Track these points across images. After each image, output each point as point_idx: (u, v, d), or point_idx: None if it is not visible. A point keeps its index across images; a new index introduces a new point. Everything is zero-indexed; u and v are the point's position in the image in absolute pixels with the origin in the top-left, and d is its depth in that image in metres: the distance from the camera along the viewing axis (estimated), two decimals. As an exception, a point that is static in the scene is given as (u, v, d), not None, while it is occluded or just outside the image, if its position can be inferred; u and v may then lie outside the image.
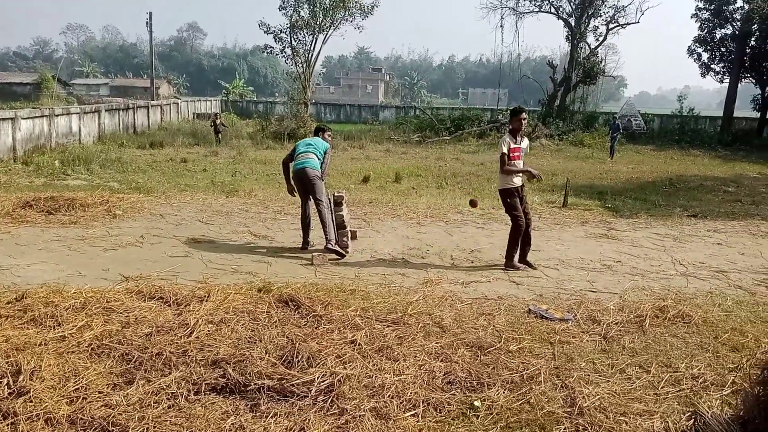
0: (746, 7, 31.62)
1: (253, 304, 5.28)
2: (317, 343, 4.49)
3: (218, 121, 24.45)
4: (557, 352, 4.74)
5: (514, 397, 3.96)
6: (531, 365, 4.42)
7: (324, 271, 6.89)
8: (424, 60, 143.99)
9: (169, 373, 3.96)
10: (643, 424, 3.69)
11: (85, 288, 5.46)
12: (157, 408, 3.55)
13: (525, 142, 7.40)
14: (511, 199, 7.20)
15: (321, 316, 5.09)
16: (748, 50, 33.06)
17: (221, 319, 4.90)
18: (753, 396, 3.56)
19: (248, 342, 4.52)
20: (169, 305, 5.20)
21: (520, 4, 37.86)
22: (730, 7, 33.84)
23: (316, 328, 4.86)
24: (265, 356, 4.26)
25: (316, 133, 8.40)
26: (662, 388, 4.18)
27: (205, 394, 3.78)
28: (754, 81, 33.76)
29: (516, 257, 7.25)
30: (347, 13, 32.67)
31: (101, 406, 3.51)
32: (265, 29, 32.54)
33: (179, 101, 39.01)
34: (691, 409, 3.80)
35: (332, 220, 7.67)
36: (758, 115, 33.89)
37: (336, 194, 7.98)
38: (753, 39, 32.52)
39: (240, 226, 9.09)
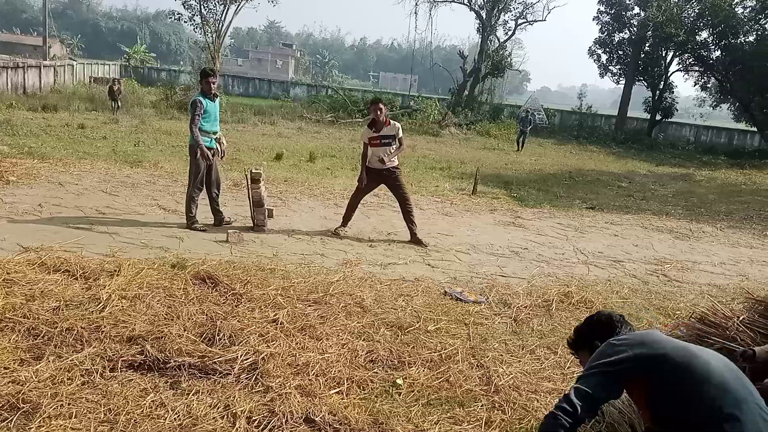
0: (642, 14, 33.71)
1: (168, 281, 5.10)
2: (238, 322, 4.42)
3: (116, 87, 22.94)
4: (472, 332, 4.93)
5: (434, 375, 4.09)
6: (448, 345, 4.57)
7: (240, 249, 6.75)
8: (336, 39, 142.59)
9: (82, 349, 3.77)
10: (553, 402, 3.92)
11: (-21, 258, 5.05)
12: (70, 385, 3.37)
13: (389, 129, 7.78)
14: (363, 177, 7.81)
15: (241, 294, 5.01)
16: (642, 55, 35.30)
17: (135, 294, 4.71)
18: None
19: (165, 319, 4.38)
20: (77, 279, 4.93)
21: (435, -7, 38.35)
22: (628, 13, 35.96)
23: (236, 306, 4.77)
24: (185, 333, 4.15)
25: None
26: (568, 368, 4.46)
27: (121, 371, 3.63)
28: (646, 84, 36.16)
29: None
30: (262, -16, 31.77)
31: (9, 382, 3.29)
32: (174, -6, 31.05)
33: (74, 63, 36.46)
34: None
35: (193, 199, 7.44)
36: (648, 116, 36.38)
37: (254, 170, 7.81)
38: (647, 45, 34.74)
39: (147, 199, 8.70)
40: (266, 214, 7.73)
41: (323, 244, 7.31)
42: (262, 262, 6.19)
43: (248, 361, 3.86)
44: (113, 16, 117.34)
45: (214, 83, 7.43)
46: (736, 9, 30.98)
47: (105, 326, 4.08)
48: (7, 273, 4.70)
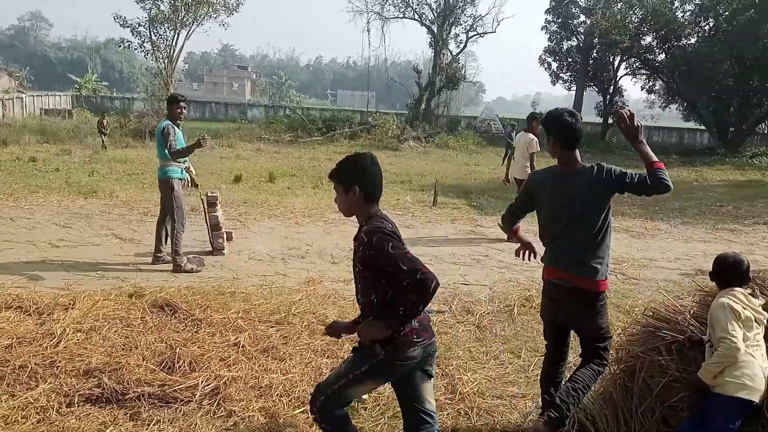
0: (588, 22, 34.65)
1: (125, 311, 5.01)
2: (199, 348, 4.36)
3: (104, 122, 22.47)
4: (437, 342, 4.95)
5: (399, 387, 4.08)
6: (413, 356, 4.58)
7: (200, 274, 6.65)
8: (291, 59, 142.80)
9: (36, 386, 3.67)
10: (517, 406, 3.97)
11: (-75, 300, 4.88)
12: (25, 423, 3.29)
13: None
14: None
15: (200, 320, 4.94)
16: (591, 61, 36.24)
17: (91, 326, 4.61)
18: (611, 374, 3.96)
19: (123, 349, 4.30)
20: (30, 315, 4.80)
21: (385, 10, 38.78)
22: (575, 21, 36.95)
23: (196, 332, 4.70)
24: (143, 363, 4.07)
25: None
26: (532, 371, 4.51)
27: (78, 406, 3.55)
28: (596, 89, 37.11)
29: None
30: (211, 9, 31.63)
31: (-42, 427, 3.18)
32: (121, 22, 30.62)
33: (23, 96, 35.67)
34: (558, 389, 4.14)
35: (179, 237, 6.80)
36: (601, 120, 37.28)
37: (209, 194, 7.74)
38: (594, 51, 35.70)
39: (103, 229, 8.53)
40: (225, 237, 7.66)
41: (285, 264, 7.26)
42: (222, 285, 6.12)
43: (210, 386, 3.81)
44: (62, 47, 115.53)
45: (184, 109, 6.99)
46: (677, 13, 32.12)
47: (60, 361, 3.97)
48: (-45, 314, 4.55)
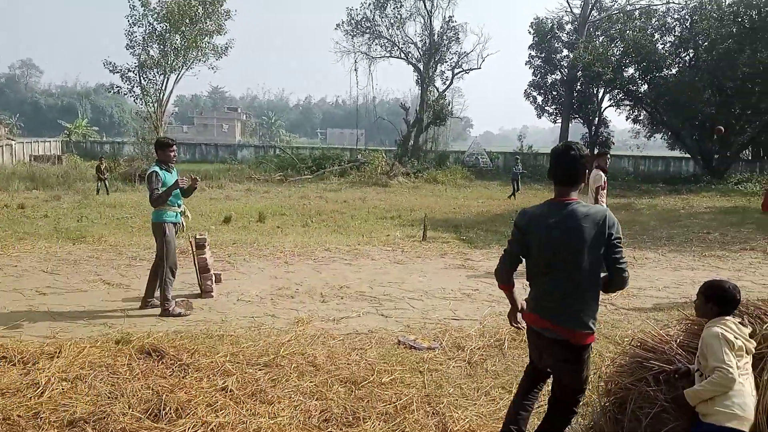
0: (570, 56, 35.36)
1: (111, 358, 4.95)
2: (185, 393, 4.30)
3: (103, 167, 22.41)
4: (427, 380, 4.92)
5: (389, 428, 4.04)
6: (404, 395, 4.54)
7: (188, 317, 6.60)
8: (281, 100, 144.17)
9: (19, 440, 3.60)
10: (509, 442, 3.92)
11: None
12: (5, 480, 3.20)
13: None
14: None
15: (188, 364, 4.88)
16: (575, 94, 36.91)
17: (76, 375, 4.54)
18: (601, 407, 3.94)
19: (108, 398, 4.23)
20: (14, 364, 4.73)
21: (371, 49, 39.47)
22: (558, 56, 37.72)
23: (183, 377, 4.65)
24: (129, 411, 4.01)
25: None
26: (523, 406, 4.47)
27: (61, 459, 3.47)
28: (582, 121, 37.70)
29: None
30: (200, 53, 32.10)
31: (-64, 485, 3.10)
32: (111, 68, 30.96)
33: (13, 143, 35.77)
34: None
35: (168, 281, 6.76)
36: (587, 151, 37.73)
37: (198, 237, 7.73)
38: (578, 84, 36.35)
39: (91, 275, 8.47)
40: (213, 279, 7.62)
41: (274, 304, 7.22)
42: (211, 329, 6.07)
43: (196, 433, 3.75)
44: (53, 93, 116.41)
45: (173, 153, 6.94)
46: (657, 45, 32.87)
47: (44, 412, 3.91)
48: (-63, 366, 4.48)
